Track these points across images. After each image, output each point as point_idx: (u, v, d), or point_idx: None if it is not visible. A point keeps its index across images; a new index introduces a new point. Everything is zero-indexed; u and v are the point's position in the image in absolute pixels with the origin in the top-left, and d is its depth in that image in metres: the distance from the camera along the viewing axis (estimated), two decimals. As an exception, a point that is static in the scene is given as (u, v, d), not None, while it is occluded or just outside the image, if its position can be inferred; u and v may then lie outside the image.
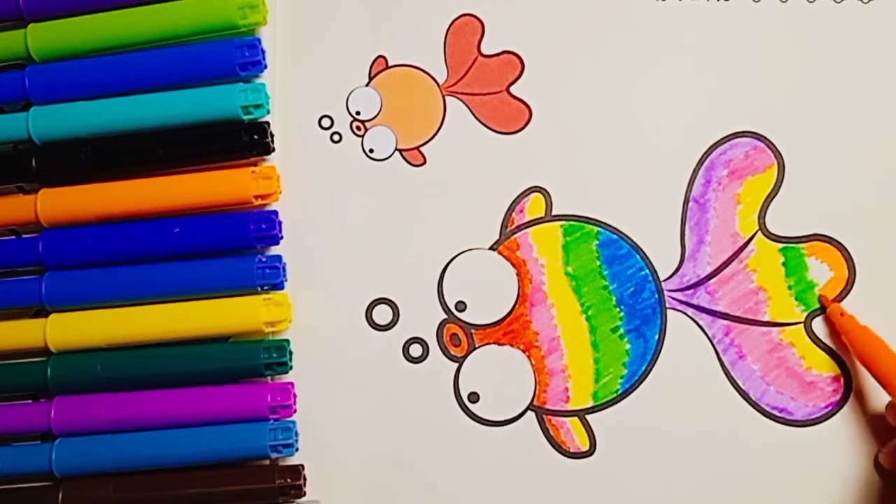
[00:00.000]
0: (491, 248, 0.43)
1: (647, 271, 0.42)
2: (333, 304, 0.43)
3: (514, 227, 0.43)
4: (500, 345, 0.42)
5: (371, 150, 0.43)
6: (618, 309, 0.42)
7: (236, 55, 0.41)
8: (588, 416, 0.41)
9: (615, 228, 0.42)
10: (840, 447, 0.41)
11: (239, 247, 0.41)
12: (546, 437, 0.41)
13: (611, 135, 0.43)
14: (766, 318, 0.41)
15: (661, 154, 0.42)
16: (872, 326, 0.41)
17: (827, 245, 0.42)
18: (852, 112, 0.42)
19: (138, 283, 0.41)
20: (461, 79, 0.43)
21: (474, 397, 0.42)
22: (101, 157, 0.41)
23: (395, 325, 0.42)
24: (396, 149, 0.43)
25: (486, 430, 0.42)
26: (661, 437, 0.41)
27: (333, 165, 0.43)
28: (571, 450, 0.41)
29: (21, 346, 0.41)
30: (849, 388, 0.41)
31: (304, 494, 0.41)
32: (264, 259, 0.41)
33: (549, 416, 0.41)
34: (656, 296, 0.42)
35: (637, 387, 0.41)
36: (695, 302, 0.42)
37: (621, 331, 0.42)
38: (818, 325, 0.41)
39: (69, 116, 0.41)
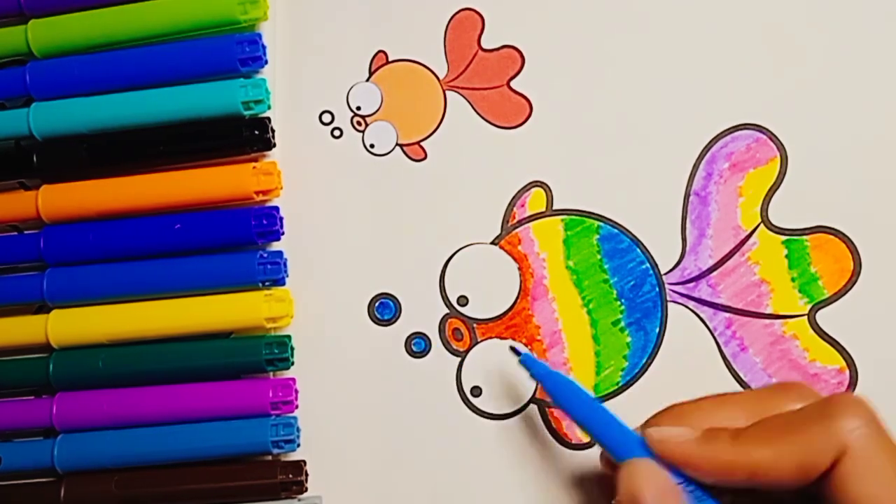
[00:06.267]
0: (492, 243, 0.43)
1: (648, 265, 0.42)
2: (335, 300, 0.43)
3: (515, 221, 0.43)
4: (502, 339, 0.42)
5: (372, 146, 0.43)
6: (619, 302, 0.42)
7: (237, 51, 0.40)
8: (589, 409, 0.41)
9: (616, 222, 0.42)
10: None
11: (240, 243, 0.41)
12: (548, 429, 0.41)
13: (611, 129, 0.43)
14: (768, 311, 0.41)
15: (662, 148, 0.42)
16: (877, 320, 0.41)
17: (831, 237, 0.41)
18: (856, 103, 0.42)
19: (139, 279, 0.41)
20: (461, 73, 0.43)
21: (477, 391, 0.42)
22: (102, 154, 0.41)
23: (396, 320, 0.42)
24: (397, 144, 0.43)
25: (489, 423, 0.41)
26: (662, 430, 0.41)
27: (334, 161, 0.43)
28: (573, 441, 0.41)
29: (23, 342, 0.41)
30: (855, 380, 0.41)
31: (306, 490, 0.41)
32: (265, 255, 0.41)
33: (552, 409, 0.41)
34: (657, 289, 0.42)
35: (638, 379, 0.41)
36: (696, 295, 0.42)
37: (622, 324, 0.42)
38: (823, 318, 0.41)
39: (70, 112, 0.41)
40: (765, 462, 0.32)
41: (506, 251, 0.43)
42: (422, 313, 0.42)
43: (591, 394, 0.38)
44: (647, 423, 0.36)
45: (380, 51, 0.44)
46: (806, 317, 0.41)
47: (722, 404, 0.35)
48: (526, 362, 0.39)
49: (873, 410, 0.32)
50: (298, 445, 0.41)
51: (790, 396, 0.34)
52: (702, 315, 0.41)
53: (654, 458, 0.34)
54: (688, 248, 0.42)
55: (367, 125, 0.43)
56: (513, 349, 0.40)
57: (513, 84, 0.43)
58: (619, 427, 0.36)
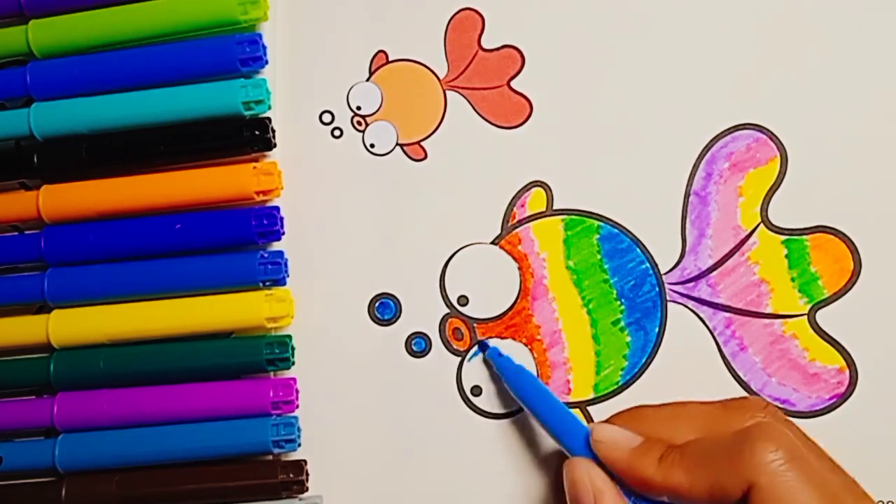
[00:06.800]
0: (492, 243, 0.43)
1: (648, 265, 0.42)
2: (335, 300, 0.43)
3: (515, 221, 0.43)
4: (502, 338, 0.42)
5: (372, 145, 0.43)
6: (618, 302, 0.42)
7: (237, 51, 0.40)
8: (589, 408, 0.41)
9: (616, 222, 0.42)
10: (846, 438, 0.40)
11: (240, 243, 0.41)
12: (548, 429, 0.41)
13: (611, 129, 0.43)
14: (767, 311, 0.41)
15: (662, 148, 0.42)
16: (877, 320, 0.41)
17: (831, 237, 0.41)
18: (856, 102, 0.42)
19: (140, 279, 0.41)
20: (462, 73, 0.43)
21: (477, 391, 0.42)
22: (102, 154, 0.41)
23: (397, 320, 0.42)
24: (397, 143, 0.43)
25: (489, 422, 0.42)
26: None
27: (334, 161, 0.43)
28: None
29: (24, 342, 0.41)
30: (855, 380, 0.41)
31: (307, 490, 0.41)
32: (266, 255, 0.41)
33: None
34: (657, 289, 0.42)
35: (637, 378, 0.41)
36: (696, 294, 0.42)
37: (622, 324, 0.42)
38: (823, 317, 0.41)
39: (71, 112, 0.41)
40: (681, 487, 0.33)
41: (506, 251, 0.43)
42: (422, 313, 0.42)
43: (550, 391, 0.39)
44: (608, 420, 0.37)
45: (380, 51, 0.44)
46: (806, 316, 0.41)
47: (679, 415, 0.36)
48: (492, 356, 0.41)
49: (792, 442, 0.33)
50: (299, 445, 0.41)
51: (746, 415, 0.35)
52: (701, 315, 0.42)
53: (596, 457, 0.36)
54: (687, 248, 0.42)
55: (367, 125, 0.43)
56: (480, 344, 0.41)
57: (513, 84, 0.43)
58: (573, 423, 0.37)
